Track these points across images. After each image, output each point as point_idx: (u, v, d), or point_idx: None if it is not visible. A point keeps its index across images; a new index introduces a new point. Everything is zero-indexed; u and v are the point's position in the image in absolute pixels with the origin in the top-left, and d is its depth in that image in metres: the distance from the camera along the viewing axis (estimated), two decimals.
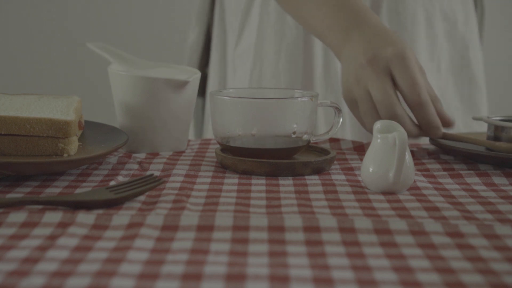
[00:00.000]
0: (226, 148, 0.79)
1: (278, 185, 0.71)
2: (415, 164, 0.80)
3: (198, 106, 1.29)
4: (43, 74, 2.18)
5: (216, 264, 0.49)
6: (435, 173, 0.78)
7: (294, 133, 0.77)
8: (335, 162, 0.82)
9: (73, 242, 0.53)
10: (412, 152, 0.86)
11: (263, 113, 0.77)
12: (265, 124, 0.77)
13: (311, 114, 0.78)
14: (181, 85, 0.84)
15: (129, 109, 0.85)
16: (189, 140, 0.94)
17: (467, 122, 1.17)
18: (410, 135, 0.84)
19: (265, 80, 1.14)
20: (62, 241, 0.53)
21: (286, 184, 0.72)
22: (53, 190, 0.68)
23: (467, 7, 1.19)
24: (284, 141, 0.78)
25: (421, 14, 1.14)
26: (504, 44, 2.23)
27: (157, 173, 0.76)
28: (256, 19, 1.15)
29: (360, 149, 0.89)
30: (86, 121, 0.85)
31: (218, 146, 0.85)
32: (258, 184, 0.71)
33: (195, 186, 0.70)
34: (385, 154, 0.69)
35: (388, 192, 0.69)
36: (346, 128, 1.19)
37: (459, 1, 1.18)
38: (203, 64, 1.27)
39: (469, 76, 1.17)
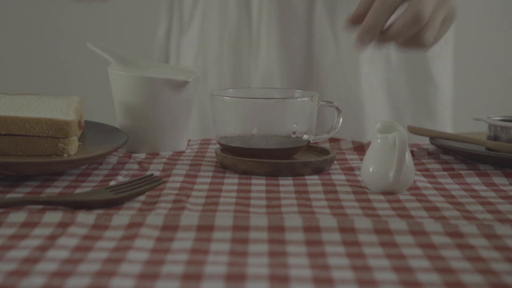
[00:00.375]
0: (226, 148, 0.79)
1: (278, 185, 0.71)
2: (415, 164, 0.80)
3: None
4: (43, 74, 2.18)
5: (216, 264, 0.48)
6: (435, 173, 0.77)
7: (294, 133, 0.77)
8: (335, 162, 0.82)
9: (73, 242, 0.53)
10: (412, 152, 0.86)
11: (263, 113, 0.77)
12: (265, 124, 0.77)
13: (311, 114, 0.78)
14: (180, 85, 0.84)
15: (129, 109, 0.85)
16: (189, 140, 0.94)
17: (417, 118, 1.12)
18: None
19: (209, 66, 1.13)
20: (62, 241, 0.53)
21: (286, 184, 0.72)
22: (53, 190, 0.68)
23: None
24: (284, 141, 0.78)
25: None
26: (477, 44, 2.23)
27: (157, 173, 0.76)
28: (202, 5, 1.14)
29: (360, 149, 0.89)
30: (86, 121, 0.85)
31: (218, 146, 0.85)
32: (258, 184, 0.71)
33: (195, 186, 0.70)
34: (385, 154, 0.69)
35: (388, 192, 0.69)
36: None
37: None
38: None
39: (424, 71, 1.12)
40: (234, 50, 1.12)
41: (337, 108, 0.81)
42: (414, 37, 0.78)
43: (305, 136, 0.78)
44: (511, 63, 2.28)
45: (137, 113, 0.85)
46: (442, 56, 1.15)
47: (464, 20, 2.26)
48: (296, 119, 0.77)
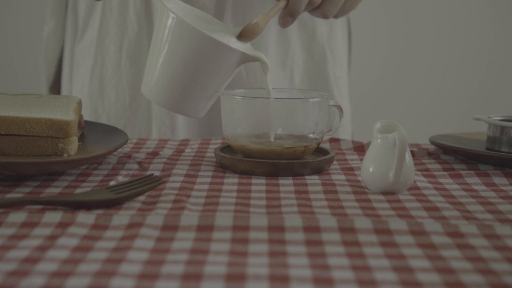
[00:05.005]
0: (241, 150, 0.78)
1: (278, 185, 0.71)
2: (415, 164, 0.80)
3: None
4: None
5: (216, 264, 0.49)
6: (435, 173, 0.78)
7: (314, 133, 0.77)
8: (335, 162, 0.82)
9: (73, 242, 0.53)
10: (412, 152, 0.86)
11: (286, 113, 0.77)
12: (287, 125, 0.77)
13: (326, 113, 0.78)
14: (250, 60, 0.76)
15: (178, 64, 0.74)
16: (189, 140, 0.94)
17: None
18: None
19: (107, 78, 1.10)
20: (62, 241, 0.53)
21: (286, 184, 0.72)
22: (53, 190, 0.68)
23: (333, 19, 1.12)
24: (298, 141, 0.77)
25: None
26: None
27: (157, 173, 0.76)
28: (99, 13, 1.10)
29: (360, 149, 0.89)
30: (86, 121, 0.85)
31: (218, 145, 0.85)
32: (258, 184, 0.71)
33: (195, 186, 0.70)
34: (385, 154, 0.69)
35: (388, 192, 0.69)
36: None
37: None
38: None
39: (326, 91, 1.11)
40: (132, 63, 1.08)
41: (339, 108, 0.81)
42: (317, 9, 0.88)
43: (319, 135, 0.78)
44: (511, 63, 2.28)
45: (184, 70, 0.74)
46: (343, 78, 1.15)
47: (463, 20, 2.27)
48: (317, 119, 0.77)
